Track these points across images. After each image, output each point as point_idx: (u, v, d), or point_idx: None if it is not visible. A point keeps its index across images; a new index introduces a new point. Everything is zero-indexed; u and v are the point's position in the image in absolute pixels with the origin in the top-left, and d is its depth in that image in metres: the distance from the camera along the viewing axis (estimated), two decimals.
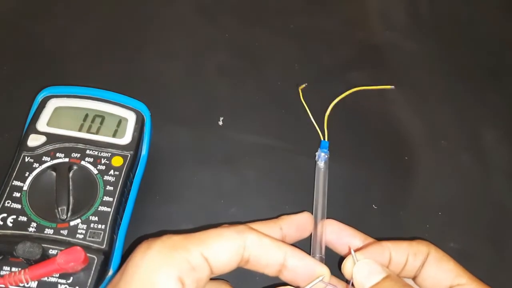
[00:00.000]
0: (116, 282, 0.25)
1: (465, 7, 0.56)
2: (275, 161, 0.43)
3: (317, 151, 0.42)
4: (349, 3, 0.55)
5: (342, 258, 0.31)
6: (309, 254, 0.30)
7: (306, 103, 0.45)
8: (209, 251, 0.26)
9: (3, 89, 0.45)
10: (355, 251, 0.29)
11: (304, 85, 0.45)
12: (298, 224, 0.32)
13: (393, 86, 0.46)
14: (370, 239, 0.32)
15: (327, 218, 0.36)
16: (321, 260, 0.33)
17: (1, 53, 0.47)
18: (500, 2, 0.57)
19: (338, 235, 0.33)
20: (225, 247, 0.26)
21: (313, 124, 0.44)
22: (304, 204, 0.40)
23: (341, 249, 0.33)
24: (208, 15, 0.52)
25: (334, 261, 0.33)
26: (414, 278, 0.31)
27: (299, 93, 0.45)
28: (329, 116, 0.45)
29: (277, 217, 0.32)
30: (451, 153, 0.45)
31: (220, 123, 0.44)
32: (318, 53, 0.50)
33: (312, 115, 0.44)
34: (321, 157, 0.41)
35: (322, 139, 0.43)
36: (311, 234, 0.34)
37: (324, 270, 0.28)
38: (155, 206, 0.39)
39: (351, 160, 0.43)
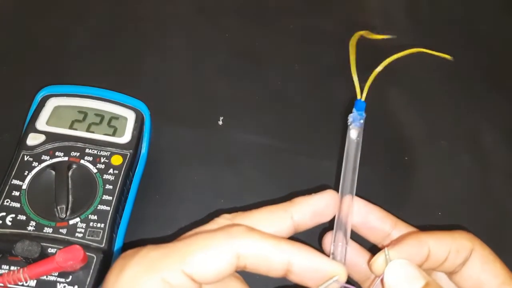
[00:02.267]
0: None
1: (465, 7, 0.56)
2: (275, 161, 0.42)
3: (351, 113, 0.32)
4: (349, 3, 0.55)
5: (375, 249, 0.27)
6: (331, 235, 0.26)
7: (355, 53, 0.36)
8: (193, 267, 0.22)
9: (2, 89, 0.45)
10: (388, 245, 0.25)
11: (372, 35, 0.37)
12: (315, 210, 0.26)
13: (452, 58, 0.39)
14: (401, 224, 0.28)
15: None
16: (343, 251, 0.26)
17: (1, 53, 0.47)
18: (500, 2, 0.57)
19: (365, 218, 0.28)
20: (212, 260, 0.22)
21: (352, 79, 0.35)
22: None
23: (367, 234, 0.28)
24: (208, 15, 0.52)
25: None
26: (450, 274, 0.27)
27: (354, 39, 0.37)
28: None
29: (290, 198, 0.27)
30: (451, 153, 0.45)
31: (220, 122, 0.44)
32: (318, 53, 0.50)
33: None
34: (356, 121, 0.32)
35: (358, 97, 0.33)
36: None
37: (338, 270, 0.23)
38: (154, 205, 0.39)
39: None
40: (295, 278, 0.23)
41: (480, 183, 0.43)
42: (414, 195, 0.42)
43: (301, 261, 0.23)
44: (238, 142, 0.43)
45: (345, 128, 0.44)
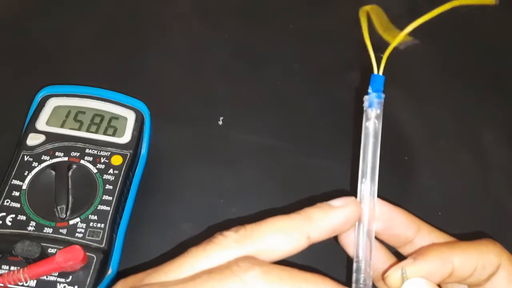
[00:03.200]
0: None
1: (465, 7, 0.56)
2: (275, 161, 0.42)
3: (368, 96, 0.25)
4: (349, 3, 0.55)
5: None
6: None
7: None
8: None
9: (2, 88, 0.45)
10: (408, 255, 0.23)
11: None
12: (334, 226, 0.23)
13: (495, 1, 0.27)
14: (425, 227, 0.26)
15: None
16: (368, 271, 0.24)
17: (1, 53, 0.47)
18: (500, 2, 0.57)
19: (388, 224, 0.25)
20: None
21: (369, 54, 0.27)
22: (305, 205, 0.40)
23: (388, 240, 0.26)
24: (208, 15, 0.52)
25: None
26: (473, 287, 0.25)
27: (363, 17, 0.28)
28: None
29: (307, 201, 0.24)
30: (451, 153, 0.45)
31: (220, 122, 0.44)
32: (318, 53, 0.50)
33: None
34: (373, 104, 0.25)
35: (375, 72, 0.26)
36: None
37: None
38: (155, 206, 0.39)
39: (351, 160, 0.43)
40: None
41: (480, 183, 0.43)
42: (414, 195, 0.42)
43: None
44: (238, 142, 0.43)
45: (345, 128, 0.44)
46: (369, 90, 0.25)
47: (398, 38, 0.26)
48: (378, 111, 0.24)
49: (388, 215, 0.25)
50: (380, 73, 0.25)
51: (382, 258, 0.26)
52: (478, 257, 0.23)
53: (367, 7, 0.27)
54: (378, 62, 0.26)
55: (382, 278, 0.23)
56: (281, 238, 0.22)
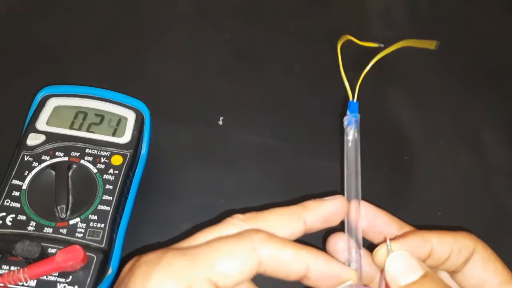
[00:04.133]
0: None
1: (465, 7, 0.56)
2: (275, 161, 0.42)
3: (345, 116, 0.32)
4: (349, 3, 0.55)
5: (374, 246, 0.27)
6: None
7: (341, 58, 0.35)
8: (218, 275, 0.22)
9: (2, 88, 0.45)
10: (391, 239, 0.26)
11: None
12: (326, 215, 0.26)
13: (435, 47, 0.36)
14: (406, 227, 0.28)
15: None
16: (358, 257, 0.27)
17: (1, 53, 0.47)
18: (500, 2, 0.57)
19: (372, 222, 0.28)
20: (237, 267, 0.22)
21: (343, 80, 0.33)
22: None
23: (373, 238, 0.28)
24: (208, 15, 0.52)
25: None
26: (452, 273, 0.28)
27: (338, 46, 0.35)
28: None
29: (301, 201, 0.27)
30: (451, 153, 0.45)
31: (220, 122, 0.44)
32: (318, 53, 0.50)
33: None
34: (351, 123, 0.31)
35: (350, 99, 0.32)
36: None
37: (351, 274, 0.24)
38: (155, 206, 0.39)
39: None
40: (310, 282, 0.24)
41: (480, 183, 0.43)
42: (414, 195, 0.42)
43: (318, 267, 0.24)
44: (238, 142, 0.43)
45: (344, 128, 0.45)
46: (347, 113, 0.32)
47: (363, 74, 0.33)
48: (355, 128, 0.31)
49: (372, 213, 0.28)
50: (355, 100, 0.32)
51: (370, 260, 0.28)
52: (454, 241, 0.26)
53: (341, 40, 0.35)
54: (352, 91, 0.33)
55: (372, 259, 0.26)
56: (282, 221, 0.25)
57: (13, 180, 0.34)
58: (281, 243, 0.23)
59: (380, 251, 0.25)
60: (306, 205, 0.26)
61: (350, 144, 0.31)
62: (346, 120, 0.32)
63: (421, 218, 0.41)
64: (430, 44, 0.36)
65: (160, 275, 0.22)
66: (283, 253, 0.23)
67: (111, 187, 0.34)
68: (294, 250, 0.23)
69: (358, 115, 0.31)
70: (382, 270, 0.26)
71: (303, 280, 0.24)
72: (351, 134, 0.31)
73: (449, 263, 0.26)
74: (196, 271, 0.22)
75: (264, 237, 0.23)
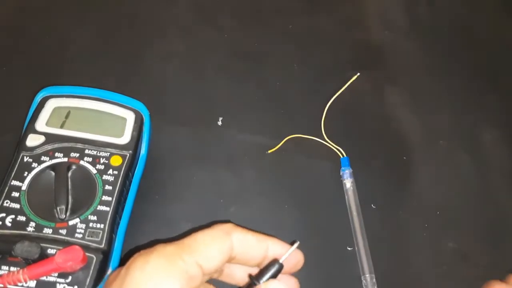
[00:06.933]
0: None
1: (464, 7, 0.56)
2: (275, 161, 0.43)
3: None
4: (349, 3, 0.55)
5: None
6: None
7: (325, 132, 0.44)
8: (203, 259, 0.26)
9: (2, 89, 0.45)
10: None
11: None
12: (288, 262, 0.29)
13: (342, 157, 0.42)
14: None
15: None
16: (372, 279, 0.36)
17: (1, 53, 0.47)
18: (500, 3, 0.57)
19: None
20: (216, 251, 0.27)
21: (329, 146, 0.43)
22: (304, 204, 0.40)
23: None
24: (208, 16, 0.52)
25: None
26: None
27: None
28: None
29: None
30: (450, 153, 0.45)
31: (220, 123, 0.44)
32: (318, 53, 0.50)
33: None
34: (346, 176, 0.41)
35: (341, 156, 0.42)
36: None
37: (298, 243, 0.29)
38: (154, 206, 0.39)
39: (350, 160, 0.43)
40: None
41: (479, 183, 0.43)
42: (413, 195, 0.42)
43: (275, 248, 0.29)
44: (238, 142, 0.43)
45: (344, 129, 0.45)
46: (342, 168, 0.42)
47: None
48: (350, 179, 0.41)
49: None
50: (345, 155, 0.42)
51: None
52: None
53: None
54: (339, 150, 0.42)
55: None
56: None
57: (13, 181, 0.34)
58: (245, 230, 0.28)
59: None
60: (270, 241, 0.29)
61: (349, 192, 0.40)
62: (343, 175, 0.41)
63: (420, 218, 0.41)
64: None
65: (157, 259, 0.25)
66: (248, 236, 0.28)
67: (110, 187, 0.34)
68: (255, 235, 0.29)
69: (350, 169, 0.41)
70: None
71: (261, 265, 0.28)
72: (349, 183, 0.41)
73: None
74: (186, 255, 0.25)
75: (233, 225, 0.28)
